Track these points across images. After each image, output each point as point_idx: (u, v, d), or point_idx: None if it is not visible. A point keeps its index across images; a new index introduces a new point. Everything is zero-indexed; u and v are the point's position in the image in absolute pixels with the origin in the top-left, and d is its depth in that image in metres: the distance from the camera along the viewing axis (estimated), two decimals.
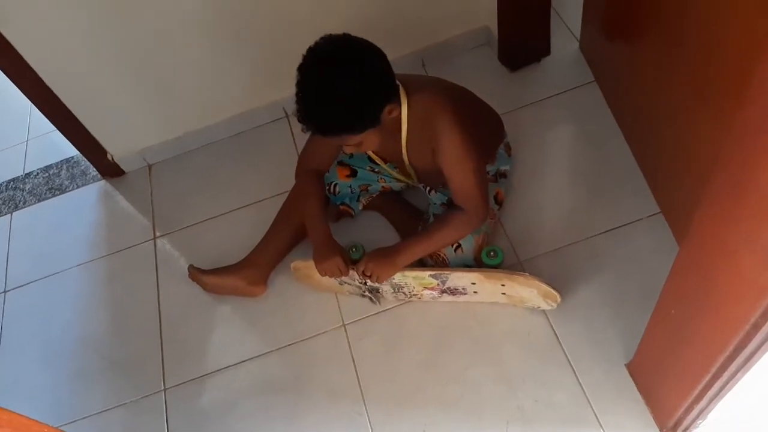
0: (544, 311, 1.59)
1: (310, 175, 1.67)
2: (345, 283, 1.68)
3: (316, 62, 1.30)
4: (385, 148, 1.55)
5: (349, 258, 1.62)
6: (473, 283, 1.56)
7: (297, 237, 1.79)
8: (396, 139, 1.51)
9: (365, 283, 1.64)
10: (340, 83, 1.28)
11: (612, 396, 1.45)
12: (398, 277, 1.59)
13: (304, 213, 1.67)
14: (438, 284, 1.59)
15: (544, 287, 1.49)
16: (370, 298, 1.70)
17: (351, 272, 1.60)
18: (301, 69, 1.31)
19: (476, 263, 1.60)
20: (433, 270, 1.56)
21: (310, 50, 1.32)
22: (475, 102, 1.69)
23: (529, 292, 1.53)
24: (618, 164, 1.79)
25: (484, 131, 1.67)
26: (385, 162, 1.70)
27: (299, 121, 1.32)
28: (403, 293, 1.66)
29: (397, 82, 1.41)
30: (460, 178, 1.47)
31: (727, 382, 1.05)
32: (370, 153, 1.66)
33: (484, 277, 1.53)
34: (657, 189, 1.69)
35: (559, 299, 1.52)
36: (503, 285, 1.54)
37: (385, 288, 1.65)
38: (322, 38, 1.33)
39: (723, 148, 0.81)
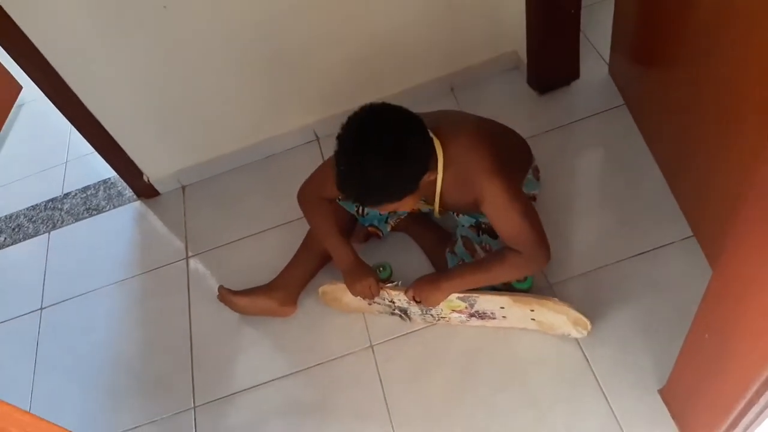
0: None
1: (317, 203, 1.65)
2: (374, 302, 1.69)
3: (355, 141, 1.30)
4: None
5: (378, 278, 1.63)
6: (502, 308, 1.55)
7: (326, 256, 1.81)
8: (431, 188, 1.48)
9: (393, 302, 1.64)
10: (381, 167, 1.27)
11: (645, 423, 1.43)
12: None
13: (323, 242, 1.67)
14: (466, 307, 1.58)
15: (574, 313, 1.47)
16: (400, 316, 1.70)
17: (381, 292, 1.61)
18: (340, 143, 1.31)
19: (504, 288, 1.59)
20: (461, 292, 1.55)
21: (351, 125, 1.31)
22: (503, 133, 1.69)
23: (558, 318, 1.51)
24: (649, 187, 1.78)
25: (514, 160, 1.66)
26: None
27: (338, 190, 1.33)
28: (431, 315, 1.66)
29: (431, 134, 1.39)
30: (507, 226, 1.42)
31: (763, 409, 1.03)
32: None
33: (513, 301, 1.51)
34: (689, 212, 1.67)
35: (589, 327, 1.50)
36: (532, 310, 1.52)
37: (414, 309, 1.65)
38: (362, 109, 1.32)
39: (755, 174, 0.81)
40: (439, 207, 1.56)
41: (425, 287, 1.53)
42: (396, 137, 1.29)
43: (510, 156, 1.59)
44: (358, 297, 1.63)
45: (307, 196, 1.70)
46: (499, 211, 1.41)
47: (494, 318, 1.60)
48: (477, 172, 1.39)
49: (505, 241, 1.46)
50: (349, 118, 1.32)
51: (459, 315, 1.62)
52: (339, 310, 1.79)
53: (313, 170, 1.70)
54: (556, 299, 1.47)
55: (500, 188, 1.38)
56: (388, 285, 1.61)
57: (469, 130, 1.47)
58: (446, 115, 1.59)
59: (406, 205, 1.40)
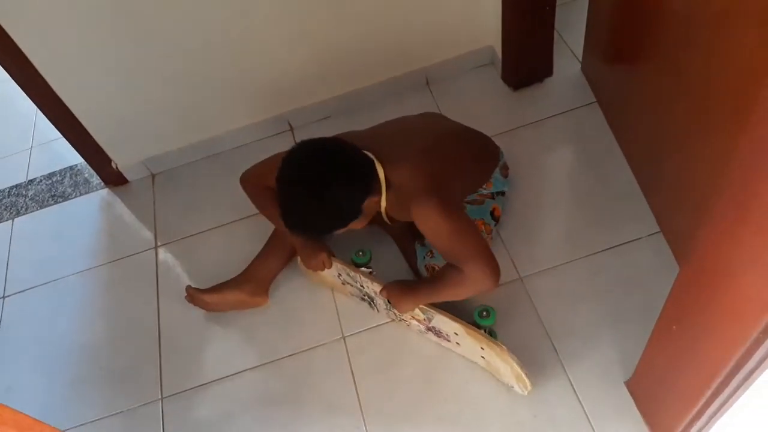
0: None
1: (262, 188, 1.66)
2: (347, 283, 1.69)
3: (293, 179, 1.34)
4: None
5: (352, 261, 1.65)
6: (456, 333, 1.53)
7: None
8: (377, 207, 1.49)
9: (363, 287, 1.65)
10: (317, 204, 1.31)
11: (611, 413, 1.46)
12: None
13: (273, 222, 1.69)
14: (425, 319, 1.58)
15: (517, 369, 1.43)
16: (369, 303, 1.71)
17: (353, 274, 1.62)
18: (279, 182, 1.34)
19: (469, 321, 1.53)
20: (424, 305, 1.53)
21: (288, 164, 1.34)
22: (465, 138, 1.70)
23: (504, 366, 1.48)
24: (618, 183, 1.81)
25: (477, 163, 1.69)
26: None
27: (284, 224, 1.37)
28: (394, 313, 1.66)
29: (371, 157, 1.40)
30: (439, 244, 1.43)
31: (727, 400, 1.05)
32: None
33: (466, 331, 1.48)
34: (657, 208, 1.71)
35: (529, 388, 1.47)
36: (482, 348, 1.49)
37: (380, 302, 1.66)
38: (294, 150, 1.35)
39: (725, 168, 0.83)
40: (390, 222, 1.59)
41: (395, 294, 1.53)
42: (329, 173, 1.31)
43: (460, 174, 1.59)
44: (331, 275, 1.64)
45: (250, 182, 1.71)
46: (430, 230, 1.42)
47: (449, 341, 1.59)
48: (410, 196, 1.41)
49: (445, 258, 1.47)
50: (284, 159, 1.35)
51: (418, 324, 1.62)
52: (316, 282, 1.80)
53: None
54: (504, 348, 1.42)
55: (431, 210, 1.38)
56: (362, 269, 1.62)
57: (408, 155, 1.47)
58: (395, 131, 1.60)
59: (357, 225, 1.43)
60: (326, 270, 1.67)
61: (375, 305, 1.70)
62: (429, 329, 1.61)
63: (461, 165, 1.60)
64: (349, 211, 1.37)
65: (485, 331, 1.48)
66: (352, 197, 1.36)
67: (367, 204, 1.38)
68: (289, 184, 1.34)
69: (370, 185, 1.39)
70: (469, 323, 1.49)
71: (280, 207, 1.36)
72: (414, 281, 1.61)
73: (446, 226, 1.38)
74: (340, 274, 1.68)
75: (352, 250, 1.70)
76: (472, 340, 1.49)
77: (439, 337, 1.61)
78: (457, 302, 1.63)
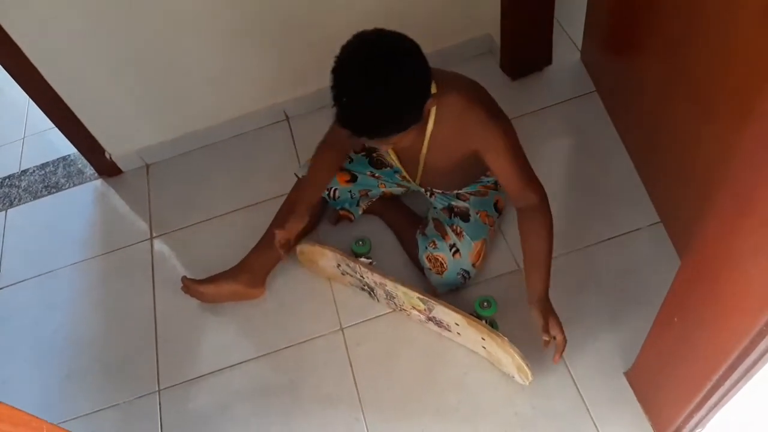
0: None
1: (298, 207, 1.65)
2: (347, 273, 1.68)
3: (354, 67, 1.21)
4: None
5: (351, 251, 1.63)
6: (456, 324, 1.51)
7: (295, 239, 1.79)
8: (420, 133, 1.42)
9: (363, 277, 1.64)
10: (383, 90, 1.19)
11: (610, 404, 1.46)
12: (390, 287, 1.58)
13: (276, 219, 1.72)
14: (425, 309, 1.57)
15: (518, 360, 1.42)
16: (369, 293, 1.70)
17: (353, 264, 1.60)
18: (338, 74, 1.22)
19: (471, 314, 1.51)
20: (421, 294, 1.51)
21: (346, 53, 1.22)
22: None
23: (505, 357, 1.47)
24: (618, 173, 1.80)
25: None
26: (398, 157, 1.64)
27: (341, 125, 1.24)
28: (394, 303, 1.65)
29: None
30: (513, 168, 1.38)
31: (728, 391, 1.05)
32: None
33: (467, 322, 1.47)
34: (657, 198, 1.70)
35: (530, 378, 1.45)
36: (483, 339, 1.48)
37: (380, 292, 1.65)
38: (355, 37, 1.23)
39: (728, 159, 0.82)
40: (425, 156, 1.51)
41: (552, 312, 1.42)
42: (399, 59, 1.20)
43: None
44: (330, 266, 1.62)
45: (325, 142, 1.65)
46: (501, 152, 1.37)
47: (449, 330, 1.58)
48: (473, 122, 1.36)
49: (516, 187, 1.40)
50: (343, 48, 1.24)
51: (418, 314, 1.61)
52: (313, 274, 1.78)
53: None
54: (506, 339, 1.41)
55: (502, 132, 1.36)
56: (362, 260, 1.61)
57: (466, 83, 1.44)
58: (444, 70, 1.53)
59: (408, 139, 1.32)
60: (325, 260, 1.65)
61: (375, 295, 1.69)
62: (429, 319, 1.60)
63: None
64: (414, 109, 1.24)
65: (486, 322, 1.47)
66: (419, 93, 1.24)
67: (428, 106, 1.28)
68: (352, 72, 1.20)
69: (431, 85, 1.28)
70: (470, 314, 1.48)
71: (338, 102, 1.21)
72: (532, 292, 1.45)
73: (515, 147, 1.38)
74: (339, 264, 1.67)
75: (352, 240, 1.69)
76: (473, 331, 1.48)
77: (439, 327, 1.60)
78: (457, 293, 1.63)
